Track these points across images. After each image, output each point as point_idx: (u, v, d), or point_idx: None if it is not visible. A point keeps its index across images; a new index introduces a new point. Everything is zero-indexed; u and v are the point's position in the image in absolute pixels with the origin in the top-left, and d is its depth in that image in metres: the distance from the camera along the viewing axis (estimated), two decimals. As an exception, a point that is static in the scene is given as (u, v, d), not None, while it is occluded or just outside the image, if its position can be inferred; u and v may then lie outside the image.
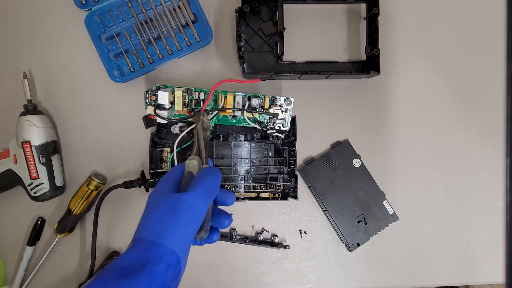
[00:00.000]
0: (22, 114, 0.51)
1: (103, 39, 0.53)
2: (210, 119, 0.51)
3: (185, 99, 0.51)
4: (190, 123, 0.50)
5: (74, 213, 0.52)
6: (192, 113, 0.51)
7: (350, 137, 0.56)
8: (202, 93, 0.51)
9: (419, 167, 0.57)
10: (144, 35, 0.53)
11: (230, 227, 0.56)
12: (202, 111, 0.47)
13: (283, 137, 0.53)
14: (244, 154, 0.54)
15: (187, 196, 0.33)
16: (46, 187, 0.51)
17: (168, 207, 0.33)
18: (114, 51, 0.53)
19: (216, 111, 0.50)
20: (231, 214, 0.39)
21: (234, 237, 0.55)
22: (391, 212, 0.55)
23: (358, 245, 0.54)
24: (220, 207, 0.40)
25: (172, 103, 0.51)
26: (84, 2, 0.52)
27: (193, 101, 0.51)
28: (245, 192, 0.54)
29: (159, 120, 0.50)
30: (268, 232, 0.56)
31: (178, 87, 0.50)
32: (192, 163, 0.38)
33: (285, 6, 0.55)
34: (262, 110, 0.51)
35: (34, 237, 0.54)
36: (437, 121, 0.57)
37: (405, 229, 0.56)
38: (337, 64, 0.56)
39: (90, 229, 0.53)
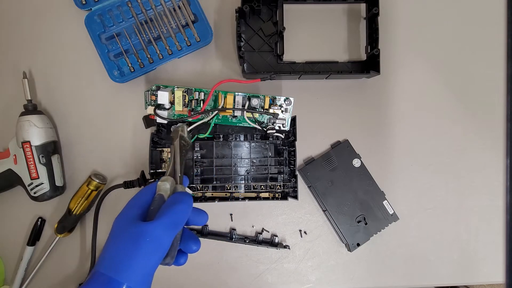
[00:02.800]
0: (22, 114, 0.51)
1: (103, 39, 0.53)
2: (210, 119, 0.51)
3: (185, 99, 0.51)
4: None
5: (74, 213, 0.52)
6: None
7: (350, 137, 0.56)
8: (202, 93, 0.51)
9: (419, 167, 0.57)
10: (144, 35, 0.53)
11: (230, 227, 0.56)
12: (183, 124, 0.42)
13: (283, 137, 0.53)
14: (244, 154, 0.54)
15: (152, 228, 0.31)
16: (46, 187, 0.51)
17: (130, 238, 0.31)
18: (114, 51, 0.53)
19: (216, 111, 0.50)
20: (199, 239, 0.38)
21: (234, 237, 0.55)
22: (391, 212, 0.55)
23: (358, 245, 0.54)
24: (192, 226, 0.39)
25: (172, 103, 0.51)
26: (84, 2, 0.52)
27: (193, 101, 0.51)
28: (245, 192, 0.54)
29: (159, 120, 0.50)
30: (268, 232, 0.56)
31: (178, 87, 0.50)
32: (164, 186, 0.35)
33: (285, 6, 0.55)
34: (262, 110, 0.51)
35: (34, 237, 0.54)
36: (437, 121, 0.57)
37: (405, 229, 0.56)
38: (337, 64, 0.56)
39: (90, 229, 0.53)
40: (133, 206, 0.35)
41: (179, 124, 0.42)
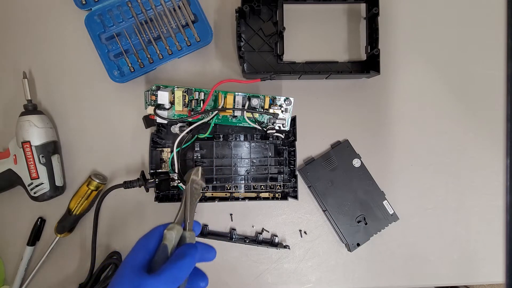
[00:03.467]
0: (22, 114, 0.51)
1: (103, 39, 0.53)
2: (210, 119, 0.51)
3: (185, 99, 0.51)
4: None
5: (74, 213, 0.52)
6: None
7: (350, 137, 0.56)
8: (202, 93, 0.51)
9: (419, 167, 0.57)
10: (144, 35, 0.53)
11: (230, 227, 0.56)
12: (198, 167, 0.40)
13: (283, 137, 0.53)
14: (244, 154, 0.54)
15: (152, 283, 0.31)
16: (46, 187, 0.51)
17: None
18: (114, 51, 0.53)
19: (216, 111, 0.50)
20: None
21: (234, 237, 0.55)
22: (391, 212, 0.55)
23: (358, 245, 0.54)
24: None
25: (172, 103, 0.51)
26: (84, 2, 0.52)
27: (193, 101, 0.51)
28: (245, 192, 0.54)
29: (159, 120, 0.50)
30: (268, 232, 0.56)
31: (178, 87, 0.50)
32: (169, 235, 0.34)
33: (285, 6, 0.55)
34: (262, 110, 0.51)
35: (34, 237, 0.54)
36: (437, 121, 0.57)
37: (405, 229, 0.56)
38: (337, 64, 0.56)
39: (90, 229, 0.53)
40: (139, 253, 0.34)
41: (195, 168, 0.40)
